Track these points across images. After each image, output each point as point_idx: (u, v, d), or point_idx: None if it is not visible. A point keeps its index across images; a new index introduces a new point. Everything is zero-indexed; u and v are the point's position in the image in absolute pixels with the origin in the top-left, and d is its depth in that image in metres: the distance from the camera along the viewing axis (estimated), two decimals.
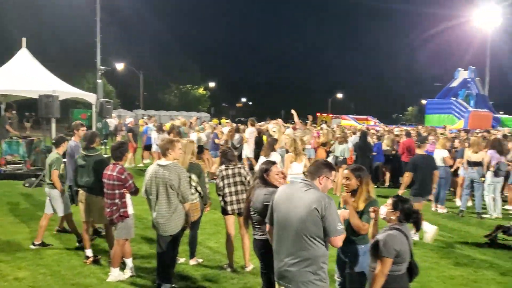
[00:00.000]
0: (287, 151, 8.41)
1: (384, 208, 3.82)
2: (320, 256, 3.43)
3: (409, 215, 3.72)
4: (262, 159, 7.68)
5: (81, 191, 6.46)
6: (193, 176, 6.09)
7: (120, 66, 51.47)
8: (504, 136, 15.03)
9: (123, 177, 5.62)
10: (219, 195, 6.24)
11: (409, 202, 3.77)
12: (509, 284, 6.09)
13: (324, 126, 22.25)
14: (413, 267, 3.77)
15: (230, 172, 6.16)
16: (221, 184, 6.15)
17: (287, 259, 3.47)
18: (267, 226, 3.88)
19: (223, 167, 6.24)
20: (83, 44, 40.68)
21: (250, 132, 12.86)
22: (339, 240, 3.43)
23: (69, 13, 47.35)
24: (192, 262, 6.51)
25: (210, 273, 6.22)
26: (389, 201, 3.81)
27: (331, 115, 43.23)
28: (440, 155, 10.22)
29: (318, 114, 41.34)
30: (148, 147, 16.44)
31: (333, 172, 3.67)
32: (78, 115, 17.62)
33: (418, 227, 3.85)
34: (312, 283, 3.41)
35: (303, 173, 7.68)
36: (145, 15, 69.26)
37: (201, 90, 70.82)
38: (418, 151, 8.44)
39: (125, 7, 53.74)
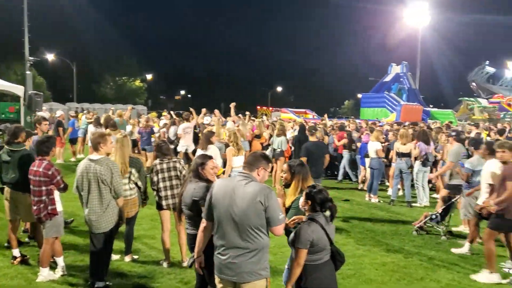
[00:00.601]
0: (226, 145, 8.36)
1: (301, 199, 3.89)
2: (264, 246, 3.51)
3: (322, 204, 3.77)
4: (199, 152, 7.60)
5: (6, 188, 6.13)
6: (133, 171, 5.94)
7: (51, 57, 49.23)
8: (439, 128, 15.74)
9: (50, 173, 5.37)
10: (153, 189, 6.12)
11: (322, 192, 3.81)
12: (434, 269, 6.40)
13: (264, 118, 22.40)
14: (336, 254, 3.82)
15: (165, 166, 6.06)
16: (155, 178, 6.04)
17: (231, 252, 3.49)
18: (204, 222, 3.83)
19: (157, 161, 6.13)
20: (9, 33, 38.48)
21: (183, 128, 12.56)
22: (280, 228, 3.52)
23: None
24: (128, 258, 6.35)
25: (146, 269, 6.11)
26: (304, 191, 3.89)
27: (271, 108, 43.57)
28: (373, 147, 10.59)
29: (258, 107, 41.58)
30: (73, 141, 16.29)
31: (270, 164, 3.74)
32: (6, 108, 16.62)
33: (332, 216, 3.84)
34: (256, 273, 3.48)
35: None
36: (79, 3, 66.30)
37: (138, 82, 69.08)
38: (311, 139, 9.03)
39: None
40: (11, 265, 6.04)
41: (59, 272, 5.72)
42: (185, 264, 6.12)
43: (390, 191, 11.23)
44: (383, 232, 8.18)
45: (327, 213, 3.79)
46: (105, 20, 74.65)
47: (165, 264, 6.18)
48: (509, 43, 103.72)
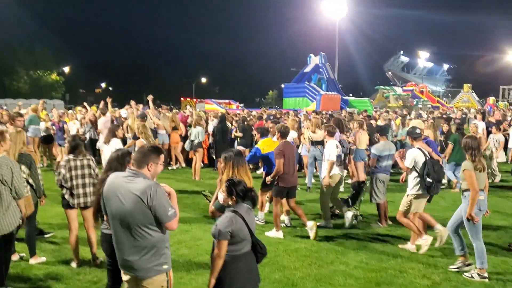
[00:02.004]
0: (135, 137, 8.18)
1: (221, 195, 3.87)
2: (156, 242, 3.42)
3: (243, 196, 3.79)
4: (103, 146, 7.36)
5: None
6: (23, 168, 5.63)
7: None
8: (350, 114, 16.40)
9: None
10: (63, 187, 5.83)
11: (241, 183, 3.83)
12: (345, 252, 6.68)
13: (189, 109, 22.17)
14: (257, 246, 3.84)
15: (78, 163, 5.81)
16: (68, 175, 5.75)
17: (126, 250, 3.43)
18: (105, 217, 3.75)
19: (70, 156, 5.85)
20: None
21: (103, 123, 12.12)
22: (173, 223, 3.44)
23: None
24: (33, 260, 6.07)
25: (54, 270, 5.88)
26: (223, 187, 3.86)
27: (195, 99, 43.31)
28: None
29: (182, 98, 41.18)
30: None
31: (161, 156, 3.61)
32: None
33: (254, 204, 3.89)
34: (153, 269, 3.42)
35: None
36: None
37: (54, 76, 65.71)
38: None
39: None
40: None
41: None
42: (95, 263, 5.96)
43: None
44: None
45: (249, 202, 3.82)
46: (15, 7, 69.87)
47: (74, 264, 5.96)
48: (420, 35, 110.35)
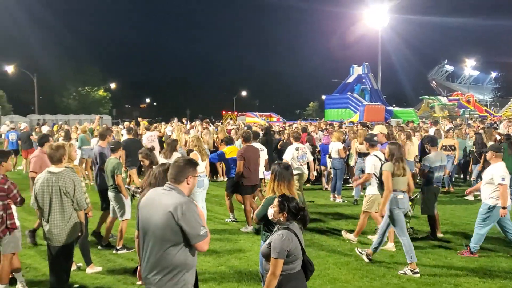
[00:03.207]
0: (188, 151, 8.35)
1: (271, 210, 3.80)
2: (180, 264, 3.26)
3: (296, 214, 3.71)
4: (162, 160, 7.57)
5: None
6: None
7: (10, 69, 47.94)
8: (400, 127, 16.08)
9: (5, 187, 5.26)
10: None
11: (295, 201, 3.76)
12: (396, 265, 6.55)
13: (231, 123, 22.44)
14: (307, 263, 3.77)
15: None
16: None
17: (150, 266, 3.30)
18: (135, 232, 3.75)
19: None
20: None
21: (147, 137, 12.39)
22: (202, 245, 3.29)
23: None
24: (89, 270, 6.30)
25: (109, 280, 6.04)
26: (275, 202, 3.80)
27: (236, 113, 43.67)
28: (335, 148, 10.76)
29: (224, 112, 41.62)
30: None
31: (198, 168, 3.57)
32: None
33: (304, 224, 3.80)
34: None
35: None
36: (38, 14, 64.88)
37: (101, 92, 68.02)
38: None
39: (15, 4, 50.18)
40: None
41: None
42: None
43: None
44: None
45: (300, 222, 3.74)
46: (65, 29, 73.06)
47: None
48: (466, 43, 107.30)
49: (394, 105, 50.30)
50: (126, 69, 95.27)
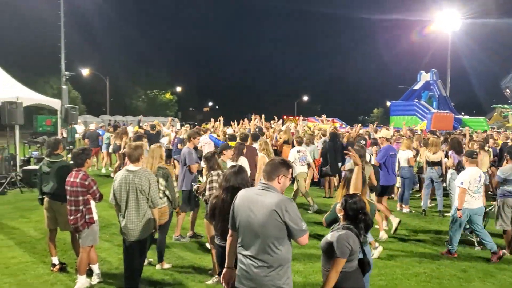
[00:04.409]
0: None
1: (338, 205, 3.86)
2: (284, 260, 3.41)
3: (354, 215, 3.69)
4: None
5: (46, 199, 6.35)
6: (161, 180, 6.08)
7: (85, 72, 50.60)
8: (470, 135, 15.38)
9: (86, 183, 5.57)
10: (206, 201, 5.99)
11: (357, 202, 3.72)
12: (469, 279, 6.31)
13: (289, 124, 22.42)
14: (365, 262, 3.77)
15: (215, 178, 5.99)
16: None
17: (252, 263, 3.42)
18: (229, 232, 3.81)
19: (214, 172, 6.12)
20: (47, 49, 39.82)
21: (202, 140, 12.56)
22: (304, 239, 3.43)
23: (32, 17, 46.34)
24: (159, 266, 6.51)
25: (177, 277, 6.21)
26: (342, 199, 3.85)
27: (297, 117, 43.55)
28: (404, 156, 10.48)
29: (285, 116, 41.63)
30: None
31: (290, 170, 3.63)
32: (43, 122, 17.15)
33: (366, 229, 3.76)
34: (276, 287, 3.38)
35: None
36: (111, 20, 68.23)
37: (168, 95, 70.27)
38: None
39: (90, 11, 52.99)
40: (51, 272, 6.26)
41: (95, 280, 5.90)
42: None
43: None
44: (416, 242, 8.09)
45: (361, 225, 3.71)
46: (136, 36, 76.29)
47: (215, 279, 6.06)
48: None
49: (463, 113, 48.27)
50: (191, 74, 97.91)
